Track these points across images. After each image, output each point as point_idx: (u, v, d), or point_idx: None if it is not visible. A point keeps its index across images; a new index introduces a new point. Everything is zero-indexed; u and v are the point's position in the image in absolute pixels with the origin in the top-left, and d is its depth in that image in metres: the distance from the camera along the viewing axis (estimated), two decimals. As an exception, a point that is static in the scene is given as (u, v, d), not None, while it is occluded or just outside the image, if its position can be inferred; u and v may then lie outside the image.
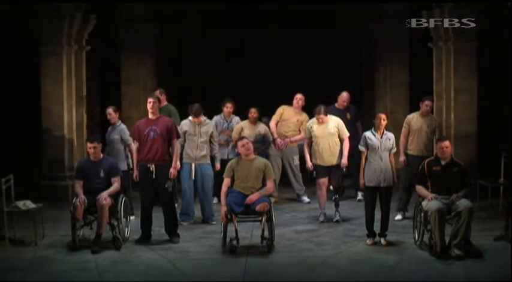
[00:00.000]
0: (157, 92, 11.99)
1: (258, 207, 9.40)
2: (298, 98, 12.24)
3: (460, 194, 9.27)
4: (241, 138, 10.09)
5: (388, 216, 9.85)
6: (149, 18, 14.51)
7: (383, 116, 9.97)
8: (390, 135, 9.98)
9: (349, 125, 11.51)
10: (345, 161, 10.92)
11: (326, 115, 10.93)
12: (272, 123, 12.29)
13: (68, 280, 8.51)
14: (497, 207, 11.17)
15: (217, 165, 11.16)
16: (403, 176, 11.05)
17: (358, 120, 12.36)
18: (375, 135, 9.90)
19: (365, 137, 9.92)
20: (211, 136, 10.99)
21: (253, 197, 9.50)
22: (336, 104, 12.29)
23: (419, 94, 11.61)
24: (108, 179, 9.77)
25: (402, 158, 11.05)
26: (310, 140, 11.02)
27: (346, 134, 11.01)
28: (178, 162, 10.31)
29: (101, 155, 9.92)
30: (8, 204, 9.91)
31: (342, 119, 11.29)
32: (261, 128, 12.10)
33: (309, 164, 11.02)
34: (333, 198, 11.07)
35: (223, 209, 9.51)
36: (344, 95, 12.33)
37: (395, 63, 14.46)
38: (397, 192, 10.94)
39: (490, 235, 9.88)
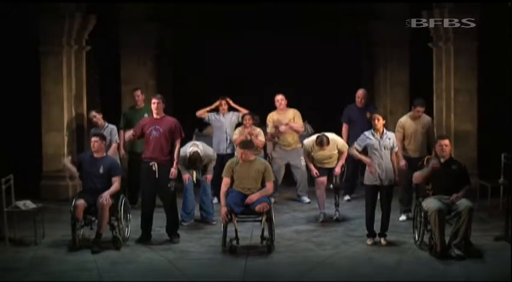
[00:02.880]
0: (137, 92, 12.17)
1: (257, 208, 9.40)
2: (280, 99, 12.19)
3: (460, 194, 9.27)
4: (241, 145, 9.96)
5: (389, 216, 9.84)
6: (149, 18, 14.50)
7: (376, 116, 9.95)
8: (390, 135, 9.98)
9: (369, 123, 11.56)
10: (338, 170, 11.01)
11: (328, 145, 10.91)
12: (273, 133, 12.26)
13: (68, 280, 8.52)
14: (497, 207, 11.16)
15: (209, 177, 11.08)
16: (403, 177, 11.03)
17: None
18: (374, 135, 9.90)
19: (364, 136, 9.92)
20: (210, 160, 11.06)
21: (253, 197, 9.50)
22: (356, 102, 12.38)
23: (420, 94, 11.61)
24: (107, 177, 9.75)
25: (403, 162, 11.00)
26: (311, 158, 11.06)
27: (344, 148, 11.06)
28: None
29: (104, 153, 9.93)
30: (8, 204, 9.91)
31: (362, 117, 11.27)
32: (256, 132, 12.04)
33: (314, 171, 11.04)
34: (332, 185, 11.10)
35: (223, 209, 9.51)
36: (359, 92, 12.44)
37: (395, 63, 14.45)
38: (397, 192, 10.99)
39: (490, 235, 9.88)
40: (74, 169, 9.94)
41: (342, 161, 11.06)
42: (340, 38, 15.36)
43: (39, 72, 12.57)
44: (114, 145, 11.48)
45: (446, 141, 9.49)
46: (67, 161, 9.99)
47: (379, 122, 9.88)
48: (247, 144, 9.90)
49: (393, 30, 14.00)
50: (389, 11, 14.14)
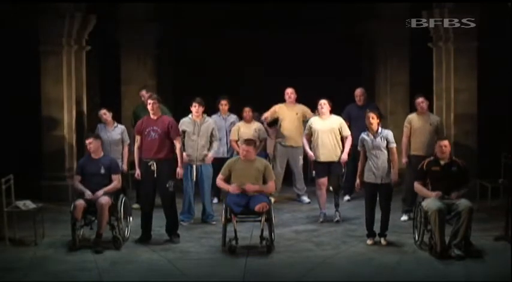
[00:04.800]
0: (144, 93, 12.18)
1: (257, 208, 9.39)
2: (290, 92, 12.27)
3: (460, 192, 9.28)
4: (244, 141, 10.01)
5: (388, 216, 9.83)
6: (149, 18, 14.51)
7: (371, 115, 9.94)
8: (385, 133, 9.88)
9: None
10: (344, 156, 10.97)
11: (329, 106, 11.00)
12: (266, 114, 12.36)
13: (68, 280, 8.52)
14: (497, 208, 11.16)
15: (210, 156, 10.95)
16: (407, 177, 11.02)
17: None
18: (368, 135, 9.88)
19: (361, 138, 9.92)
20: (212, 134, 10.98)
21: (252, 186, 9.49)
22: (355, 101, 12.47)
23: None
24: (108, 176, 9.77)
25: (404, 159, 10.98)
26: (309, 136, 11.05)
27: (347, 131, 11.08)
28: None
29: (102, 153, 9.93)
30: (8, 204, 9.91)
31: (362, 115, 11.29)
32: (256, 126, 12.09)
33: (310, 153, 11.02)
34: (333, 188, 11.12)
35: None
36: (357, 91, 12.53)
37: (395, 63, 14.45)
38: (400, 192, 10.99)
39: (490, 235, 9.88)
40: (86, 191, 9.69)
41: (347, 148, 11.01)
42: (340, 38, 15.35)
43: (39, 72, 12.57)
44: (126, 148, 11.36)
45: (446, 142, 9.49)
46: (75, 180, 9.91)
47: (373, 121, 9.85)
48: (250, 142, 9.95)
49: (393, 30, 14.00)
50: (389, 11, 14.14)
